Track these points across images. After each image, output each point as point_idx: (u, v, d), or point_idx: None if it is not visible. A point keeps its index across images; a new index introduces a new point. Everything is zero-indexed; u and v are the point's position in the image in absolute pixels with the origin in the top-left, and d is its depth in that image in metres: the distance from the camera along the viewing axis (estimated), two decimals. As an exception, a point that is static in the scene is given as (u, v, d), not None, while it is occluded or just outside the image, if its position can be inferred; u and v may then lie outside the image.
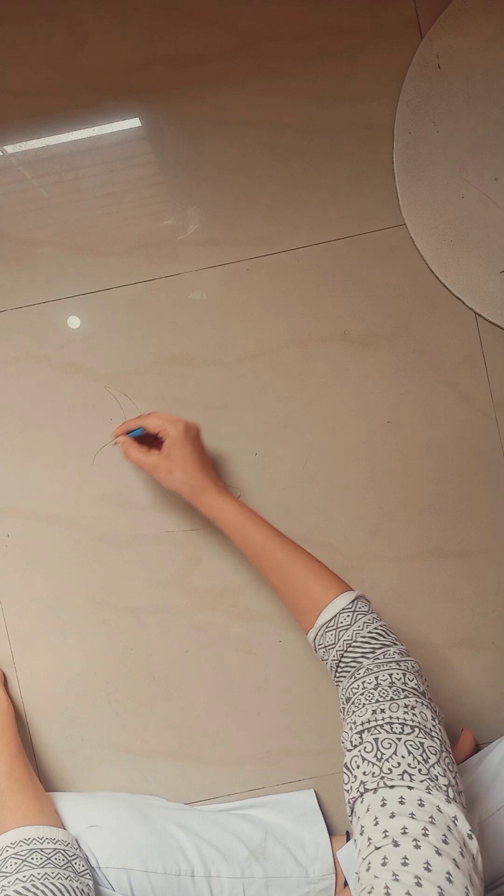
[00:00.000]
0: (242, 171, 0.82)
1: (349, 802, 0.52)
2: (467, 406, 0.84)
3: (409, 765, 0.50)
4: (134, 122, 0.82)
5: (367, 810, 0.49)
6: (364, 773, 0.51)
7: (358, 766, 0.52)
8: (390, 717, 0.53)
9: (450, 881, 0.43)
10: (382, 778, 0.50)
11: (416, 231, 0.82)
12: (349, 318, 0.83)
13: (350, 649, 0.60)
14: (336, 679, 0.62)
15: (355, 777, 0.52)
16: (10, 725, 0.76)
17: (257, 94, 0.82)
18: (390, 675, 0.56)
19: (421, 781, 0.49)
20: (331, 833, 0.77)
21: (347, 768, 0.53)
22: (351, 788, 0.52)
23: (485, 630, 0.85)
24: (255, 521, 0.70)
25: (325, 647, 0.63)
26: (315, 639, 0.64)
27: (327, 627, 0.63)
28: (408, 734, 0.52)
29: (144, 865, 0.68)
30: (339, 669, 0.61)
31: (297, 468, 0.84)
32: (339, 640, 0.61)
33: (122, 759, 0.83)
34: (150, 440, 0.76)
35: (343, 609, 0.63)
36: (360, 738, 0.53)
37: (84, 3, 0.81)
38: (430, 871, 0.43)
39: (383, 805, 0.48)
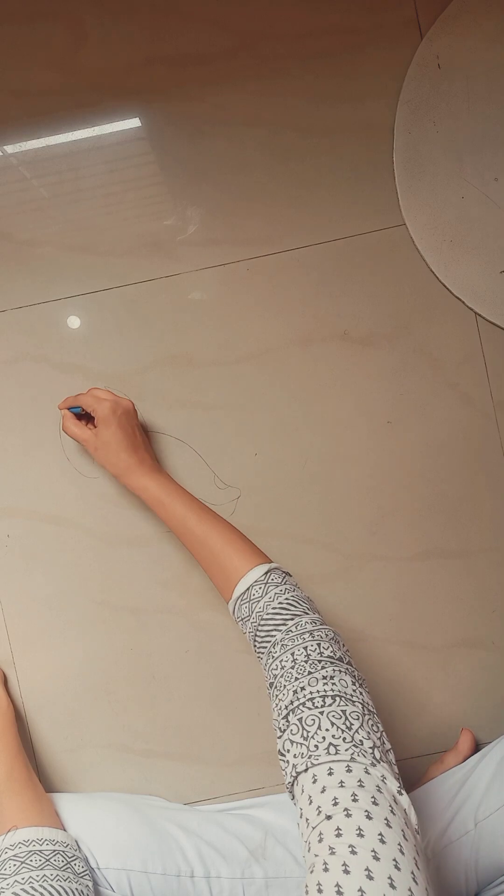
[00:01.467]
0: (242, 171, 0.82)
1: (287, 787, 0.53)
2: (467, 406, 0.84)
3: (333, 736, 0.51)
4: (134, 122, 0.82)
5: (302, 791, 0.50)
6: (294, 755, 0.52)
7: (289, 751, 0.52)
8: (310, 693, 0.54)
9: (382, 842, 0.44)
10: (310, 757, 0.50)
11: (416, 231, 0.82)
12: (349, 318, 0.83)
13: (263, 622, 0.61)
14: (257, 654, 0.63)
15: (288, 762, 0.52)
16: (10, 725, 0.76)
17: (257, 94, 0.82)
18: (305, 647, 0.57)
19: (346, 750, 0.50)
20: (331, 833, 0.76)
21: (281, 754, 0.54)
22: (287, 774, 0.53)
23: (485, 630, 0.85)
24: (176, 498, 0.72)
25: (242, 619, 0.64)
26: (234, 611, 0.65)
27: (241, 600, 0.64)
28: (329, 705, 0.53)
29: (144, 866, 0.68)
30: (257, 644, 0.62)
31: (297, 468, 0.84)
32: (252, 612, 0.63)
33: (122, 759, 0.83)
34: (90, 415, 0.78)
35: (256, 581, 0.64)
36: (287, 721, 0.54)
37: (84, 3, 0.81)
38: (362, 836, 0.44)
39: (314, 782, 0.49)
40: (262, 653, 0.61)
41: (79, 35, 0.81)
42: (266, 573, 0.65)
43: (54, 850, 0.64)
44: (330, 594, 0.84)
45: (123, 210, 0.82)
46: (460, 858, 0.68)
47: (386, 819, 0.45)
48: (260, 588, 0.64)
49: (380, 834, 0.44)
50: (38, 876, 0.61)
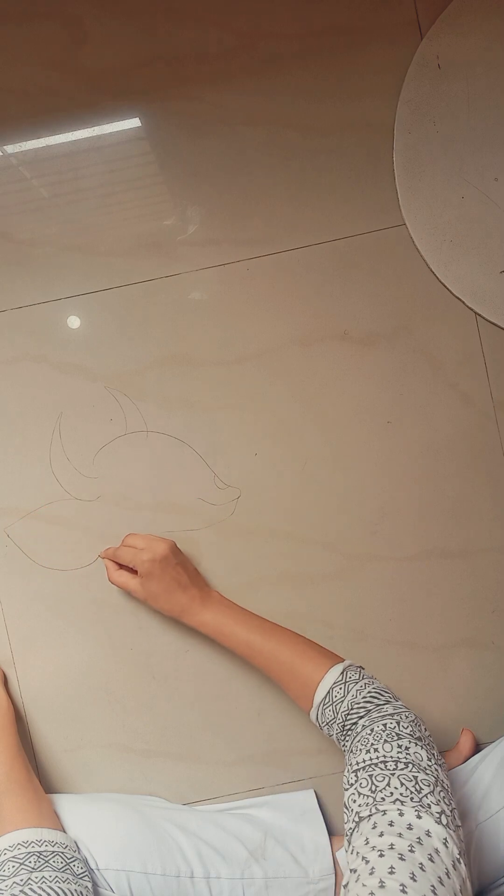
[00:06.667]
0: (242, 171, 0.82)
1: (347, 835, 0.54)
2: (467, 406, 0.84)
3: (401, 794, 0.52)
4: (134, 122, 0.82)
5: (360, 834, 0.51)
6: (359, 805, 0.53)
7: (354, 801, 0.54)
8: (384, 756, 0.56)
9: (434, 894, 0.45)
10: (375, 805, 0.52)
11: (416, 231, 0.82)
12: (349, 318, 0.83)
13: (348, 717, 0.62)
14: (342, 747, 0.64)
15: (352, 810, 0.54)
16: (9, 725, 0.76)
17: (257, 94, 0.82)
18: (384, 724, 0.59)
19: (412, 808, 0.51)
20: (331, 833, 0.76)
21: (346, 806, 0.55)
22: (349, 821, 0.54)
23: (485, 630, 0.84)
24: (236, 621, 0.74)
25: (328, 723, 0.65)
26: (317, 718, 0.66)
27: (324, 705, 0.65)
28: (401, 770, 0.54)
29: (144, 867, 0.68)
30: (343, 738, 0.63)
31: (297, 468, 0.84)
32: (337, 713, 0.63)
33: (122, 759, 0.83)
34: None
35: (335, 683, 0.65)
36: (356, 776, 0.56)
37: (84, 3, 0.81)
38: (415, 881, 0.45)
39: (374, 827, 0.50)
40: (347, 740, 0.62)
41: (78, 35, 0.81)
42: (342, 673, 0.66)
43: (53, 852, 0.64)
44: (330, 594, 0.84)
45: (123, 210, 0.82)
46: (461, 859, 0.68)
47: (440, 878, 0.46)
48: (340, 689, 0.65)
49: (433, 886, 0.45)
50: (36, 878, 0.61)
